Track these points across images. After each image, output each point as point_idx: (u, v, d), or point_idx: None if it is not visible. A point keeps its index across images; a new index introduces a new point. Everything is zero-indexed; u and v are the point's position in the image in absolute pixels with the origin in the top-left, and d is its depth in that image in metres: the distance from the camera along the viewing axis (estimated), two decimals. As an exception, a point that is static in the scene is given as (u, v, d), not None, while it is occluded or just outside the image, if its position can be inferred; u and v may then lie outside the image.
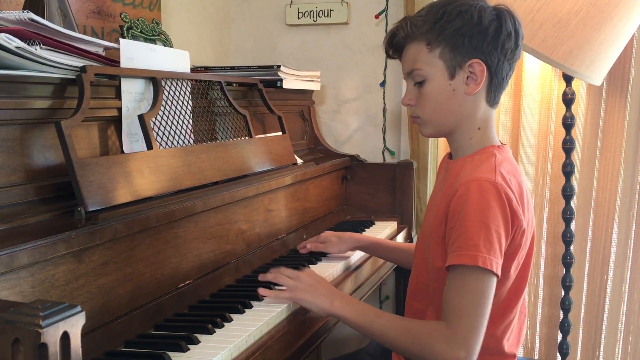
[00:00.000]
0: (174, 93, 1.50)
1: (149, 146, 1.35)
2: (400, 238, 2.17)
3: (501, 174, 1.22)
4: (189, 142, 1.52)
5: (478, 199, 1.18)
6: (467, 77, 1.27)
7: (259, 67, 2.12)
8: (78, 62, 1.26)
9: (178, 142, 1.47)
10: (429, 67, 1.28)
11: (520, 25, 1.29)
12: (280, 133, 1.93)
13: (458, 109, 1.29)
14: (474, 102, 1.29)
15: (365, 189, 2.35)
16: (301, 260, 1.67)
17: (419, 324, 1.25)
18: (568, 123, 2.06)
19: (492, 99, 1.31)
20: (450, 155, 1.38)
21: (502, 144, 1.34)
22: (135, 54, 1.41)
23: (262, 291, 1.34)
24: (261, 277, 1.40)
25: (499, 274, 1.18)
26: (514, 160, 1.34)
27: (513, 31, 1.26)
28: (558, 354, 2.18)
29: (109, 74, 1.33)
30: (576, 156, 2.16)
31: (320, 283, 1.35)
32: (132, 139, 1.37)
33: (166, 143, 1.42)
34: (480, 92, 1.28)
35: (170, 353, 1.08)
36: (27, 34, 1.19)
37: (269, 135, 1.89)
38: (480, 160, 1.27)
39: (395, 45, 1.34)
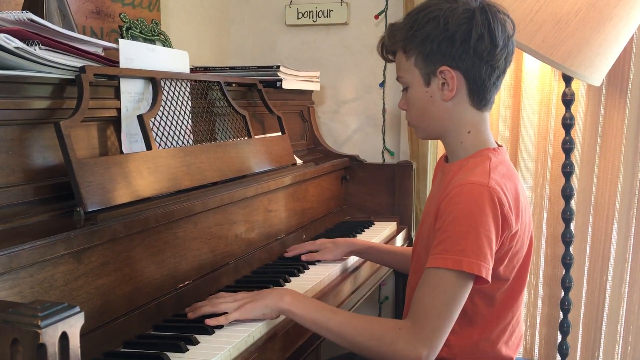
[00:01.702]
0: (173, 93, 1.49)
1: (148, 146, 1.35)
2: (399, 238, 2.17)
3: (495, 177, 1.21)
4: (188, 142, 1.52)
5: (469, 203, 1.17)
6: (442, 84, 1.26)
7: (259, 67, 2.12)
8: (77, 63, 1.26)
9: (177, 143, 1.47)
10: (408, 75, 1.30)
11: (500, 20, 1.24)
12: (279, 133, 1.93)
13: (439, 114, 1.29)
14: (455, 107, 1.28)
15: (365, 189, 2.35)
16: (299, 262, 1.67)
17: (380, 321, 1.24)
18: (568, 123, 2.06)
19: (478, 102, 1.28)
20: (446, 159, 1.38)
21: (499, 145, 1.32)
22: (134, 54, 1.41)
23: (209, 321, 1.21)
24: (194, 314, 1.25)
25: (489, 278, 1.17)
26: (511, 163, 1.33)
27: (486, 31, 1.22)
28: (558, 355, 2.18)
29: (108, 74, 1.33)
30: (576, 156, 2.16)
31: (263, 290, 1.30)
32: (131, 140, 1.37)
33: (165, 143, 1.42)
34: (461, 97, 1.27)
35: (169, 353, 1.08)
36: (26, 34, 1.19)
37: (268, 135, 1.89)
38: (475, 163, 1.26)
39: (388, 53, 1.36)
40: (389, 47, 1.34)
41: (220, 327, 1.22)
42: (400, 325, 1.18)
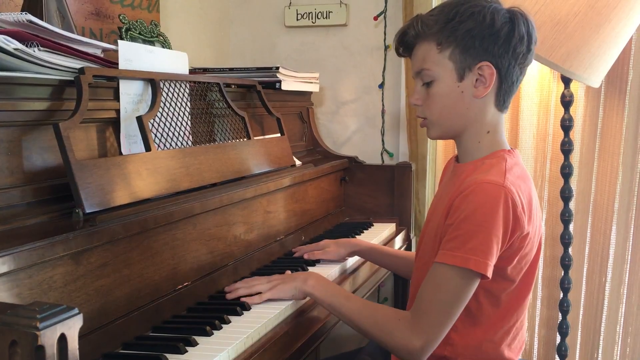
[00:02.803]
0: (173, 94, 1.49)
1: (147, 148, 1.35)
2: (398, 240, 2.17)
3: (511, 178, 1.21)
4: (187, 143, 1.52)
5: (483, 202, 1.18)
6: (476, 80, 1.25)
7: (258, 68, 2.12)
8: (76, 64, 1.26)
9: (176, 144, 1.47)
10: (438, 68, 1.26)
11: (534, 28, 1.27)
12: (278, 135, 1.93)
13: (466, 111, 1.27)
14: (482, 105, 1.27)
15: (364, 190, 2.35)
16: (299, 263, 1.67)
17: (384, 310, 1.27)
18: (566, 125, 2.06)
19: (502, 103, 1.28)
20: (457, 159, 1.37)
21: (512, 148, 1.32)
22: (133, 55, 1.41)
23: (247, 299, 1.35)
24: (232, 295, 1.38)
25: (490, 276, 1.18)
26: (524, 165, 1.32)
27: (526, 35, 1.24)
28: (557, 356, 2.18)
29: (108, 76, 1.33)
30: (575, 158, 2.16)
31: (294, 273, 1.42)
32: (130, 141, 1.37)
33: (164, 145, 1.42)
34: (489, 96, 1.27)
35: (168, 355, 1.08)
36: (26, 35, 1.19)
37: (267, 136, 1.89)
38: (491, 164, 1.25)
39: (405, 44, 1.32)
40: (414, 37, 1.29)
41: (219, 328, 1.22)
42: (401, 316, 1.22)
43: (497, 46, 1.23)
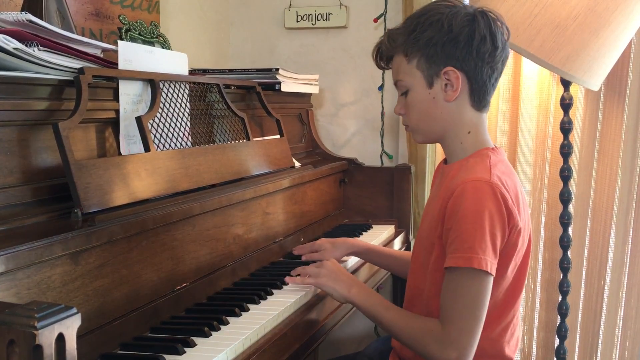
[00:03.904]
0: (172, 95, 1.49)
1: (147, 148, 1.35)
2: (397, 242, 2.17)
3: (496, 173, 1.24)
4: (186, 144, 1.51)
5: (474, 200, 1.20)
6: (445, 85, 1.29)
7: (258, 70, 2.12)
8: (76, 64, 1.26)
9: (176, 145, 1.47)
10: (409, 78, 1.31)
11: (498, 26, 1.29)
12: (278, 136, 1.93)
13: (441, 115, 1.31)
14: (457, 107, 1.31)
15: (363, 192, 2.35)
16: (297, 265, 1.67)
17: (418, 322, 1.28)
18: (566, 128, 2.06)
19: (478, 103, 1.31)
20: (445, 161, 1.40)
21: (495, 146, 1.35)
22: (133, 56, 1.41)
23: (288, 279, 1.46)
24: (290, 277, 1.48)
25: (494, 273, 1.20)
26: (508, 162, 1.36)
27: (488, 34, 1.26)
28: (555, 359, 2.18)
29: (107, 76, 1.32)
30: (574, 161, 2.16)
31: (340, 271, 1.43)
32: (129, 141, 1.37)
33: (164, 145, 1.42)
34: (462, 98, 1.30)
35: (166, 356, 1.08)
36: (25, 35, 1.19)
37: (266, 138, 1.89)
38: (475, 162, 1.28)
39: (382, 59, 1.38)
40: (386, 52, 1.36)
41: (218, 329, 1.22)
42: (432, 327, 1.24)
43: (459, 50, 1.26)
